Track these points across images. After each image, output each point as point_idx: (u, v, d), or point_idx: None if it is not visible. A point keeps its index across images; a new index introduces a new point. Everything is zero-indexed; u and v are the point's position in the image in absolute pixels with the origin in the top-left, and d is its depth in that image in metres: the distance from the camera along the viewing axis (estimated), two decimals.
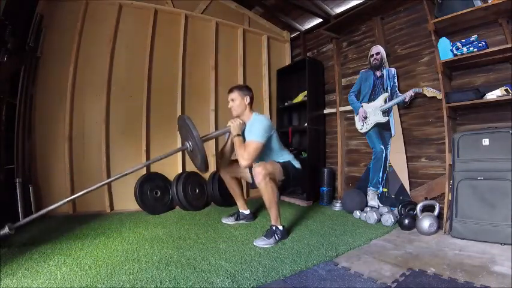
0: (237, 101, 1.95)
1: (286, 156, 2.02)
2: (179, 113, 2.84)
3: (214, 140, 3.01)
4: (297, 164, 2.02)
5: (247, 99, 1.96)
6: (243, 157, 1.77)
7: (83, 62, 2.48)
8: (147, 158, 2.67)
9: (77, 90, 2.45)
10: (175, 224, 2.17)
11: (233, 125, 1.88)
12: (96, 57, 2.54)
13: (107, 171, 2.50)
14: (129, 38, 2.67)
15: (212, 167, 2.96)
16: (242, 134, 1.91)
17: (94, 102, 2.51)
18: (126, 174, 1.65)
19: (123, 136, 2.61)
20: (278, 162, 1.90)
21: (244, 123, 1.94)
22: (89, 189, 1.58)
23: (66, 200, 1.54)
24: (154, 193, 2.53)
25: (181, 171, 2.79)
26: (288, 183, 1.97)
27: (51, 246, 1.63)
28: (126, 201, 2.54)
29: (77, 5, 2.46)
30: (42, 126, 2.33)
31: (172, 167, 2.78)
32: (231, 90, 1.99)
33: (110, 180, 1.71)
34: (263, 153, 1.88)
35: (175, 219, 2.31)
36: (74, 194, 2.34)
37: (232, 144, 1.95)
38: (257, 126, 1.83)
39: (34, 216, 1.47)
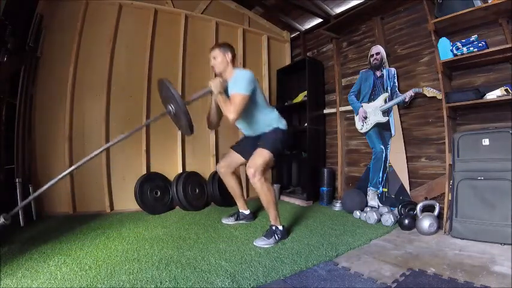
0: (218, 58, 1.91)
1: (271, 116, 1.94)
2: None
3: (214, 141, 3.01)
4: (283, 126, 1.95)
5: (229, 56, 1.91)
6: (229, 110, 1.73)
7: (83, 62, 2.48)
8: (147, 158, 2.67)
9: (77, 90, 2.45)
10: (175, 224, 2.17)
11: (214, 84, 1.80)
12: (96, 57, 2.54)
13: (106, 171, 2.50)
14: (129, 38, 2.67)
15: (212, 167, 2.96)
16: (226, 93, 1.86)
17: (94, 102, 2.51)
18: (120, 141, 1.63)
19: None
20: (267, 149, 1.83)
21: (225, 81, 1.88)
22: (88, 157, 1.52)
23: (67, 171, 1.50)
24: (154, 193, 2.53)
25: (181, 171, 2.78)
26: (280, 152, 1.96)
27: (51, 246, 1.63)
28: (126, 201, 2.54)
29: (77, 5, 2.46)
30: (42, 126, 2.33)
31: (172, 167, 2.78)
32: (212, 49, 1.96)
33: (109, 145, 1.68)
34: (248, 110, 1.83)
35: (175, 219, 2.31)
36: (74, 194, 2.39)
37: (218, 106, 1.90)
38: (240, 79, 1.79)
39: (31, 198, 1.46)
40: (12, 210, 1.31)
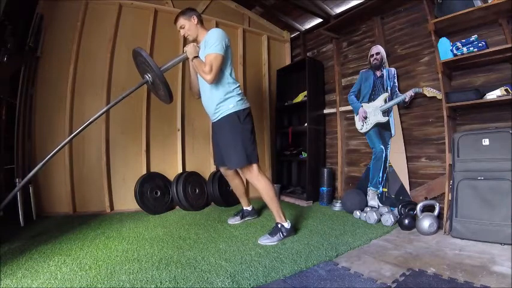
0: (186, 25, 1.86)
1: (232, 87, 1.81)
2: (179, 113, 2.84)
3: (211, 140, 2.99)
4: (245, 104, 1.85)
5: (195, 19, 1.86)
6: (205, 71, 1.68)
7: (82, 62, 2.48)
8: (147, 158, 2.67)
9: (77, 90, 2.45)
10: (175, 224, 2.17)
11: (188, 49, 1.77)
12: (96, 57, 2.54)
13: (106, 171, 2.50)
14: (129, 38, 2.67)
15: (212, 167, 2.96)
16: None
17: (94, 102, 2.50)
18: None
19: (123, 136, 2.61)
20: (246, 164, 1.80)
21: (199, 46, 1.84)
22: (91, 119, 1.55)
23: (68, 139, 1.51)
24: (155, 193, 2.53)
25: (181, 171, 2.79)
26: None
27: (51, 246, 1.63)
28: (126, 201, 2.54)
29: (77, 5, 2.46)
30: (42, 126, 2.33)
31: (172, 167, 2.78)
32: (175, 20, 1.89)
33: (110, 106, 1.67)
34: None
35: (175, 219, 2.31)
36: (73, 194, 2.39)
37: (197, 72, 1.87)
38: (210, 39, 1.73)
39: (23, 182, 1.45)
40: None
